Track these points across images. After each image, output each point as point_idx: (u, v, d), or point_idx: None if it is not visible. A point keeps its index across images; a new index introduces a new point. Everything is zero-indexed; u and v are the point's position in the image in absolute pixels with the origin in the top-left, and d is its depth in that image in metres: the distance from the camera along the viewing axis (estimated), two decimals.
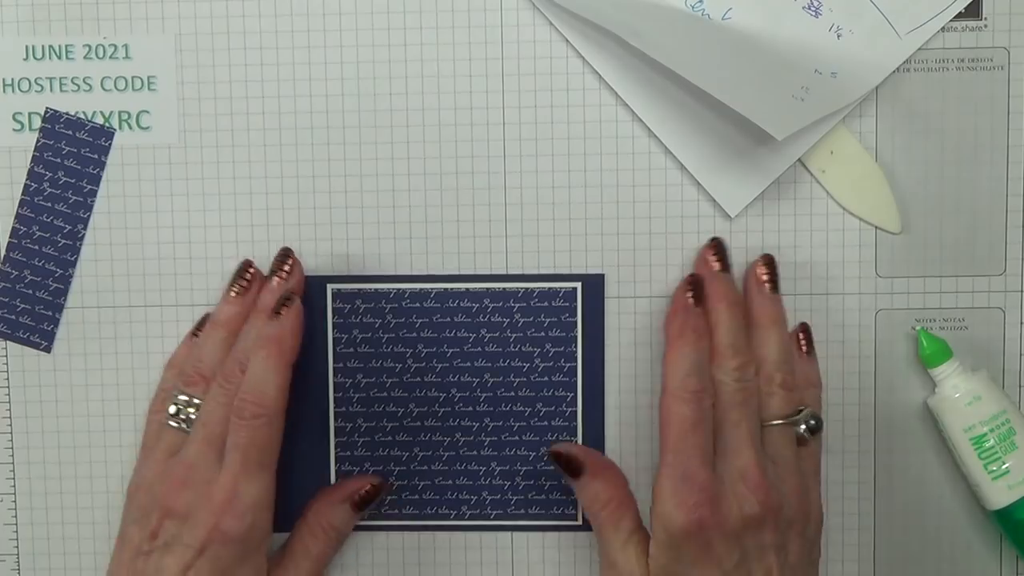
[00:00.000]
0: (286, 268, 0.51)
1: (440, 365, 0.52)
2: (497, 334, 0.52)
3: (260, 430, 0.47)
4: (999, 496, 0.50)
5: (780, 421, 0.48)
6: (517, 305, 0.51)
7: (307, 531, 0.51)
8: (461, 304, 0.51)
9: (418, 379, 0.52)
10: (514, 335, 0.51)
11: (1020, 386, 0.52)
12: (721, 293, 0.49)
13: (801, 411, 0.48)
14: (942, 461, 0.53)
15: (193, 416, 0.49)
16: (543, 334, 0.51)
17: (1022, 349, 0.52)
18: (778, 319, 0.50)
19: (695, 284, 0.49)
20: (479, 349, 0.52)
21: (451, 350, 0.52)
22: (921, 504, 0.53)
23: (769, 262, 0.50)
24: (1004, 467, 0.50)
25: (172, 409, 0.49)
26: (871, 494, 0.53)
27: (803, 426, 0.48)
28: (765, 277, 0.50)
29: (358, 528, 0.53)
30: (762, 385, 0.48)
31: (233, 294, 0.51)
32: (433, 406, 0.52)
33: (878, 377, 0.52)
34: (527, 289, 0.51)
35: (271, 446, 0.48)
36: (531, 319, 0.51)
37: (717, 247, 0.50)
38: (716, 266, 0.50)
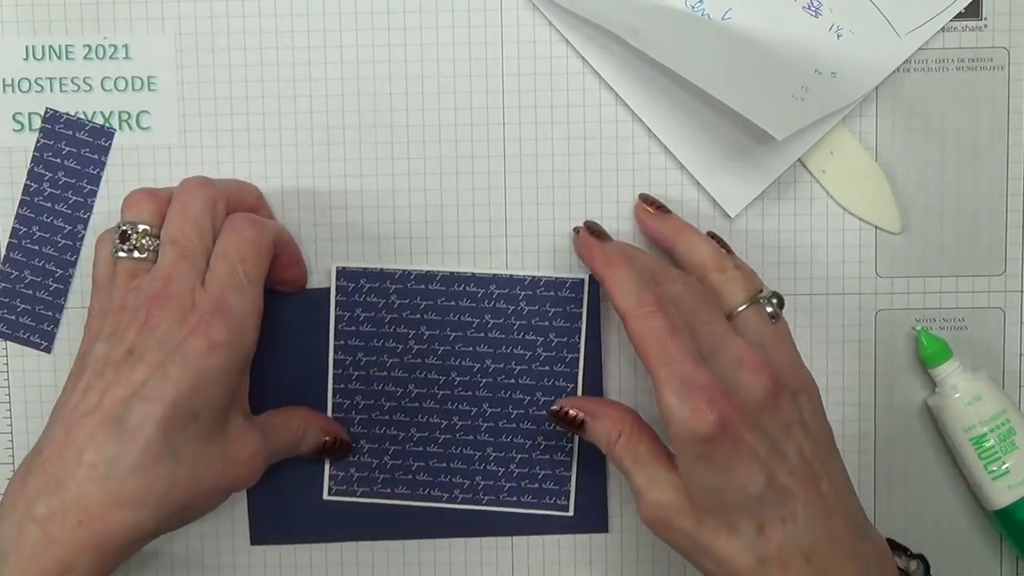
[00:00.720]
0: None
1: (442, 348, 0.52)
2: (501, 320, 0.52)
3: (252, 241, 0.46)
4: (999, 496, 0.50)
5: (747, 304, 0.47)
6: (523, 293, 0.51)
7: (288, 420, 0.50)
8: (467, 288, 0.51)
9: (419, 361, 0.52)
10: (518, 323, 0.51)
11: (1020, 386, 0.52)
12: (613, 240, 0.48)
13: (761, 290, 0.48)
14: (942, 461, 0.53)
15: (147, 244, 0.46)
16: (547, 323, 0.51)
17: (1022, 349, 0.52)
18: (686, 225, 0.50)
19: (592, 226, 0.48)
20: (482, 335, 0.52)
21: (454, 334, 0.52)
22: (921, 504, 0.53)
23: (647, 196, 0.51)
24: (1004, 467, 0.50)
25: (120, 237, 0.46)
26: (871, 494, 0.53)
27: (768, 306, 0.47)
28: (652, 207, 0.50)
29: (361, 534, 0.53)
30: (715, 278, 0.47)
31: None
32: (432, 388, 0.52)
33: (878, 377, 0.52)
34: (534, 277, 0.51)
35: (263, 258, 0.47)
36: (536, 308, 0.51)
37: (591, 226, 0.49)
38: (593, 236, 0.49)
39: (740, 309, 0.47)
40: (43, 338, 0.53)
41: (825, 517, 0.43)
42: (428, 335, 0.52)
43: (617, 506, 0.53)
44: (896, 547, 0.49)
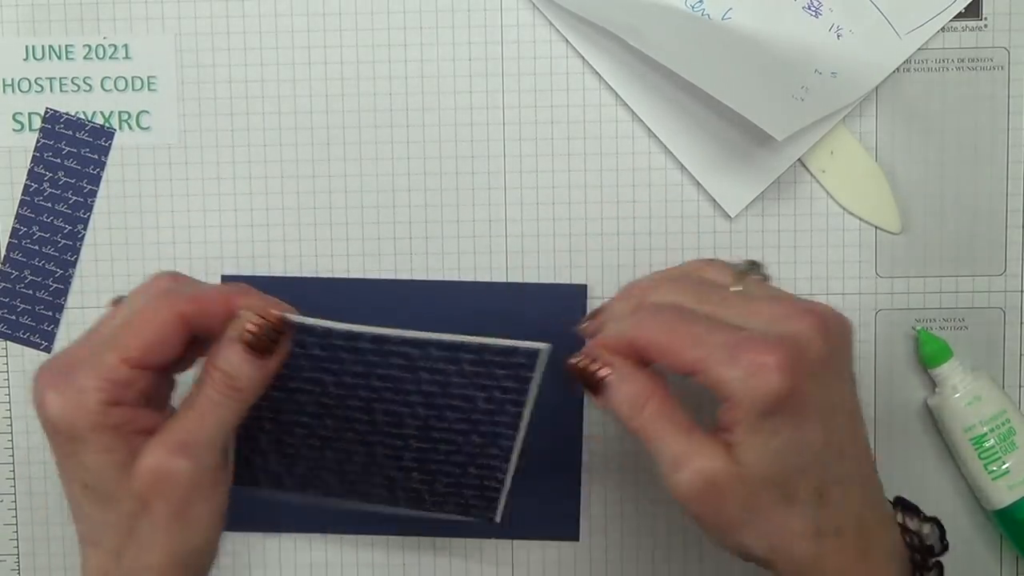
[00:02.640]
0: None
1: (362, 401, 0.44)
2: (440, 379, 0.43)
3: None
4: (999, 496, 0.50)
5: (736, 281, 0.42)
6: (468, 357, 0.42)
7: (202, 377, 0.41)
8: (399, 349, 0.41)
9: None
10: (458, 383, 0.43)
11: (1020, 386, 0.52)
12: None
13: (737, 266, 0.44)
14: (942, 461, 0.53)
15: None
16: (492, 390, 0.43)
17: (1022, 349, 0.52)
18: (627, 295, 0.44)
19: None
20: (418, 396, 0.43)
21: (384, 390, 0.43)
22: (921, 504, 0.53)
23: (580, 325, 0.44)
24: (1004, 467, 0.50)
25: None
26: None
27: (755, 274, 0.44)
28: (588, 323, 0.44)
29: (361, 531, 0.53)
30: (698, 276, 0.43)
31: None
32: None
33: (878, 377, 0.52)
34: (481, 344, 0.41)
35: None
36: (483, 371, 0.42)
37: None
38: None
39: (734, 288, 0.42)
40: (43, 338, 0.53)
41: (867, 478, 0.40)
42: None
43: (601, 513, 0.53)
44: (908, 507, 0.44)
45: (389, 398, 0.43)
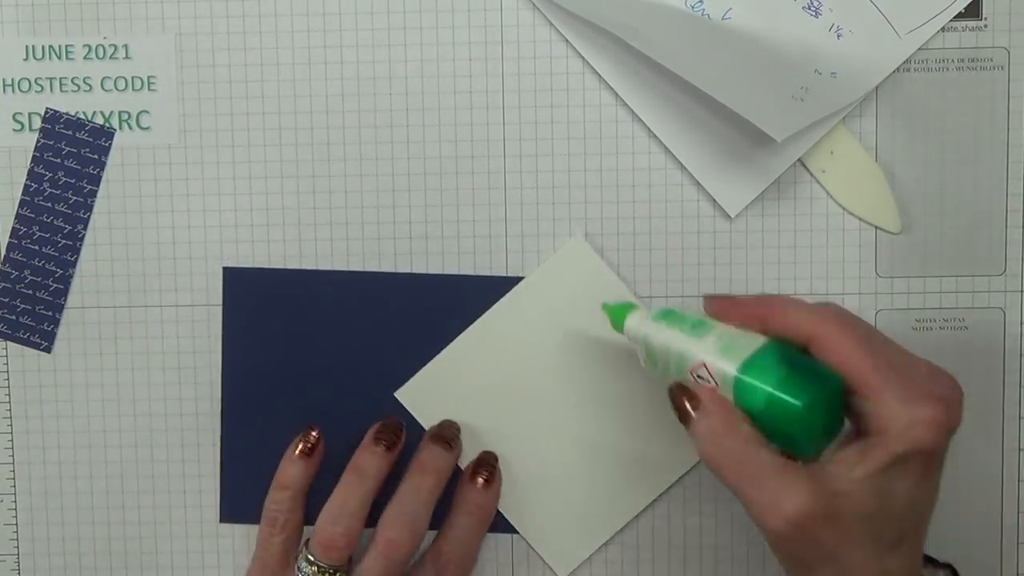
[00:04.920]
0: (447, 437, 0.51)
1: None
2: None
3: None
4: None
5: None
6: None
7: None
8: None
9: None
10: None
11: (1020, 386, 0.52)
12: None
13: None
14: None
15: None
16: None
17: (1022, 349, 0.52)
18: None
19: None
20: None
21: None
22: None
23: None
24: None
25: (307, 569, 0.48)
26: None
27: None
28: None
29: None
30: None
31: (382, 448, 0.50)
32: None
33: None
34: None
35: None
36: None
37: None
38: None
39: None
40: (43, 338, 0.53)
41: (923, 534, 0.42)
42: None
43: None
44: (924, 557, 0.45)
45: None
